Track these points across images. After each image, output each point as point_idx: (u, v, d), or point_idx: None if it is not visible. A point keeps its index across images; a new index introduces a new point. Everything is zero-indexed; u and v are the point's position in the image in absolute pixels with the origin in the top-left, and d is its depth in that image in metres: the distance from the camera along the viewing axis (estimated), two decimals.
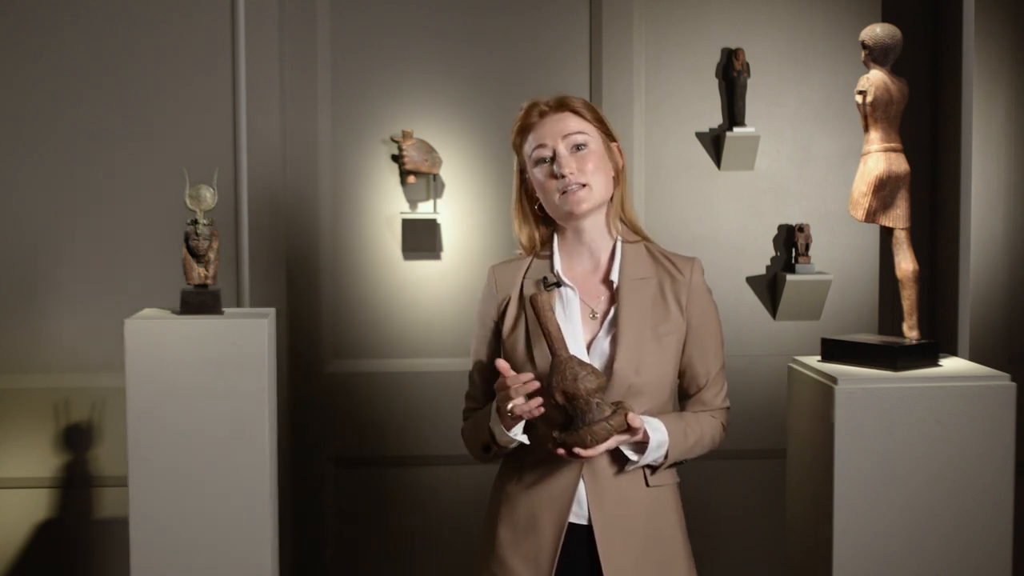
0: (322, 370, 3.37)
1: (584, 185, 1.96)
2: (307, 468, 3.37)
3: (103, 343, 3.14)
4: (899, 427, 2.26)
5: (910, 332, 2.47)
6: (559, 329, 1.87)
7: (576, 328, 1.99)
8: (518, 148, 2.05)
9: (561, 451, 1.85)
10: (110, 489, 3.18)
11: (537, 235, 2.09)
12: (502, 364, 1.88)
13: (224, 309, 2.59)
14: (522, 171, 2.07)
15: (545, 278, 2.02)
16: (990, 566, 2.29)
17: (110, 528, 3.17)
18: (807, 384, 2.43)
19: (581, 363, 1.85)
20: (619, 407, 1.86)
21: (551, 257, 2.06)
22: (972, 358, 3.18)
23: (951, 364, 2.46)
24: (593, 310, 2.01)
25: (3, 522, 3.18)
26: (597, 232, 2.05)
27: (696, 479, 3.40)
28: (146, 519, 2.45)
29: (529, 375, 1.86)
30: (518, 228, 2.09)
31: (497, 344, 2.07)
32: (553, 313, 1.89)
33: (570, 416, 1.86)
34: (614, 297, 2.01)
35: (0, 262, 3.17)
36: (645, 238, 2.10)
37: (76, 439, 3.18)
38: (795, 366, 2.51)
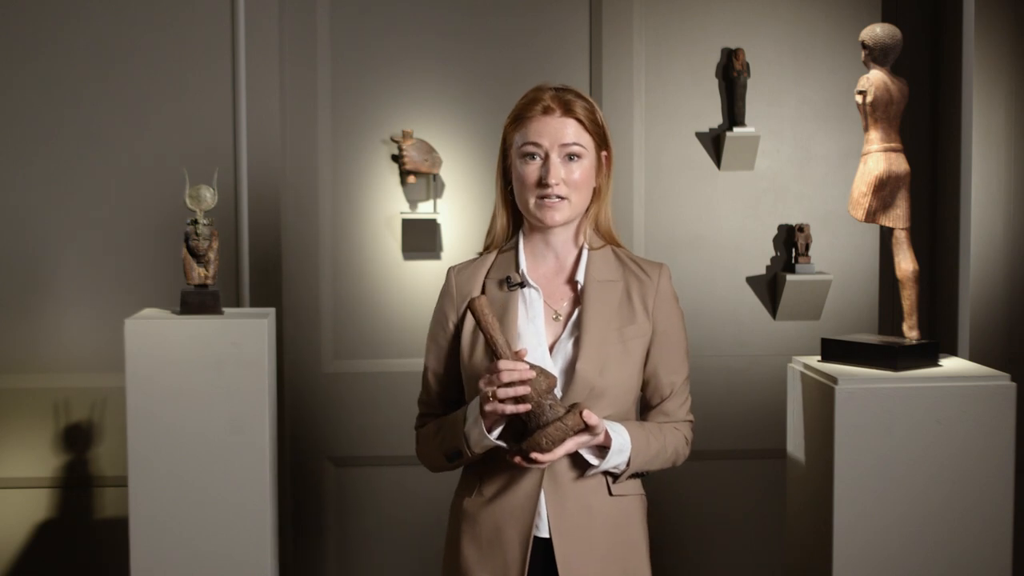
0: (322, 370, 3.37)
1: (564, 198, 1.91)
2: (307, 468, 3.37)
3: (103, 343, 3.14)
4: (899, 427, 2.26)
5: (910, 332, 2.48)
6: (500, 332, 1.80)
7: (539, 329, 1.93)
8: (508, 132, 1.98)
9: (519, 459, 1.79)
10: (110, 489, 3.18)
11: (510, 225, 2.04)
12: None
13: (224, 309, 2.59)
14: (505, 154, 2.00)
15: (509, 278, 1.96)
16: (990, 566, 2.29)
17: (110, 528, 3.17)
18: (807, 384, 2.43)
19: (531, 365, 1.78)
20: (573, 407, 1.79)
21: (516, 254, 2.00)
22: (972, 358, 3.18)
23: (951, 364, 2.46)
24: (556, 311, 1.96)
25: (3, 522, 3.18)
26: (565, 238, 2.00)
27: (696, 479, 3.40)
28: (146, 519, 2.45)
29: (522, 363, 1.76)
30: (499, 210, 2.03)
31: (454, 348, 2.01)
32: (494, 316, 1.82)
33: (523, 423, 1.79)
34: (578, 299, 1.96)
35: (0, 262, 3.17)
36: (616, 244, 2.04)
37: (76, 439, 3.18)
38: (795, 366, 2.52)
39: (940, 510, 2.28)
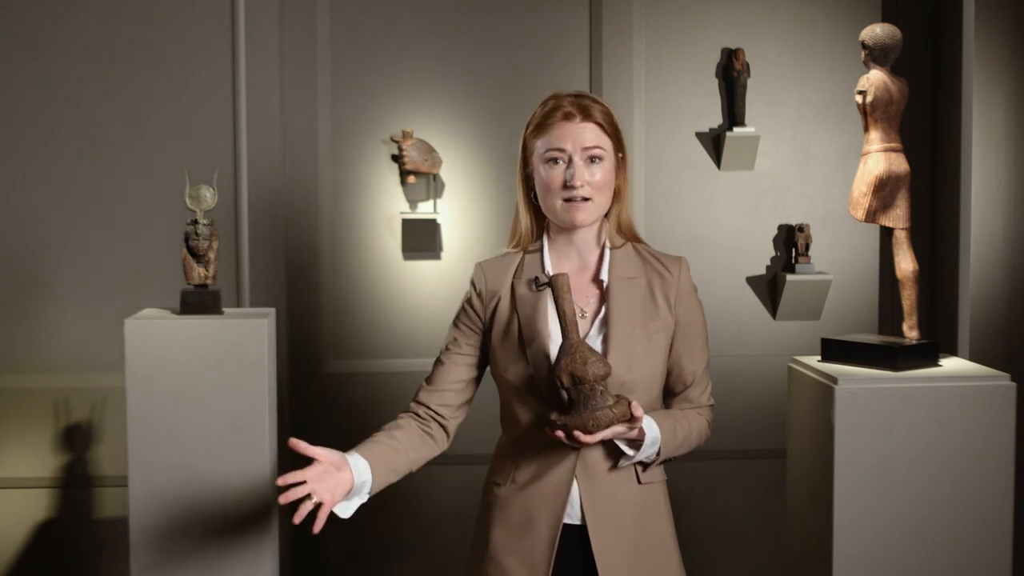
0: (322, 370, 3.37)
1: (588, 199, 1.98)
2: None
3: (103, 343, 3.14)
4: (899, 427, 2.26)
5: (910, 332, 2.47)
6: (575, 313, 1.89)
7: None
8: (529, 140, 2.04)
9: (560, 434, 1.85)
10: (110, 489, 3.18)
11: (534, 227, 2.10)
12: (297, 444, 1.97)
13: (224, 309, 2.59)
14: (526, 161, 2.06)
15: (537, 278, 2.03)
16: (990, 566, 2.29)
17: (110, 528, 3.17)
18: (807, 384, 2.42)
19: (591, 349, 1.87)
20: (621, 398, 1.88)
21: (541, 255, 2.07)
22: (972, 358, 3.18)
23: (951, 364, 2.46)
24: (583, 309, 2.02)
25: (3, 522, 3.18)
26: (588, 238, 2.07)
27: (696, 479, 3.40)
28: (146, 519, 2.45)
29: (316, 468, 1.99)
30: (522, 214, 2.09)
31: (480, 339, 2.08)
32: (571, 295, 1.90)
33: (572, 401, 1.87)
34: (603, 296, 2.03)
35: (0, 262, 3.17)
36: (637, 240, 2.12)
37: (76, 439, 3.18)
38: (795, 366, 2.51)
39: (940, 510, 2.28)
